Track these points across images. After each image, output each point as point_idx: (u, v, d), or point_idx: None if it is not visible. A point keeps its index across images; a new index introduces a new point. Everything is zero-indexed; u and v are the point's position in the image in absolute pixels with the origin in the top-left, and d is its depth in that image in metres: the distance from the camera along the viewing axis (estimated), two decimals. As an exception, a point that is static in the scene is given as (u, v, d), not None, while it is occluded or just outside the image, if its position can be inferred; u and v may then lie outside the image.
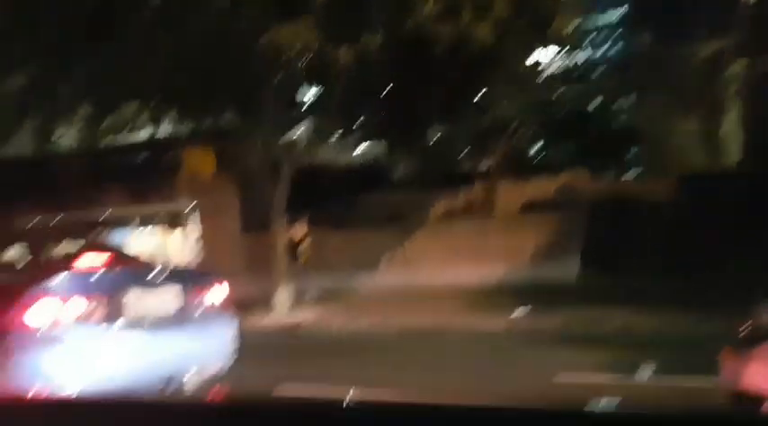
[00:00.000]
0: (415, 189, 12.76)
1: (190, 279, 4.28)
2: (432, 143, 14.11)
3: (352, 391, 0.82)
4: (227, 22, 8.37)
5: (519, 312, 8.43)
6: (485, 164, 14.08)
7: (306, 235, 10.83)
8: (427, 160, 13.82)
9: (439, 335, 7.75)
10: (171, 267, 7.09)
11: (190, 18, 8.42)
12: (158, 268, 4.26)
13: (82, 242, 5.31)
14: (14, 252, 5.07)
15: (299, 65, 8.53)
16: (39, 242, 4.90)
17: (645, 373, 5.06)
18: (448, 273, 11.35)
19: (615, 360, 5.54)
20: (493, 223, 11.92)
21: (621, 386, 4.89)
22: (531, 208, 12.16)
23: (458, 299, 9.90)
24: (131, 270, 4.04)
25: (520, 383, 5.12)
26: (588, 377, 5.15)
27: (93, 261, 4.00)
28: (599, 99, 18.68)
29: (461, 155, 14.18)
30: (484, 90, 11.08)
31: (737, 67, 14.08)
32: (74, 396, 1.23)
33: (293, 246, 10.76)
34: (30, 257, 4.72)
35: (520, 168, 13.27)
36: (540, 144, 17.71)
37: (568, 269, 11.03)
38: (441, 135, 14.23)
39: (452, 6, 8.45)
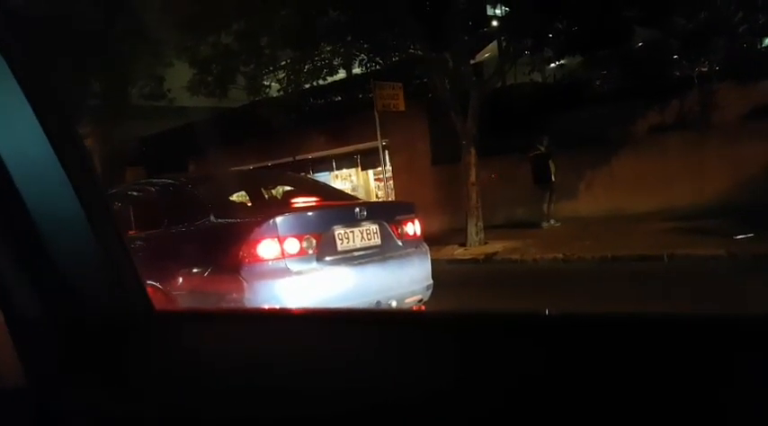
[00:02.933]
0: (618, 103, 11.61)
1: (389, 211, 4.51)
2: (636, 50, 12.64)
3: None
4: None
5: (745, 236, 7.43)
6: (701, 68, 12.22)
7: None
8: (631, 70, 12.43)
9: (650, 262, 7.24)
10: (370, 202, 7.66)
11: None
12: (360, 204, 4.56)
13: (293, 184, 5.91)
14: (237, 196, 5.87)
15: None
16: (257, 186, 5.56)
17: None
18: (658, 195, 10.39)
19: None
20: (711, 135, 10.47)
21: None
22: (758, 114, 10.36)
23: (670, 223, 9.08)
24: (338, 208, 4.38)
25: (742, 313, 4.62)
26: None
27: (305, 201, 4.43)
28: None
29: (672, 61, 12.47)
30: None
31: None
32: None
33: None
34: (251, 200, 5.43)
35: (743, 69, 11.23)
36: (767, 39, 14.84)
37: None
38: (646, 40, 12.65)
39: None
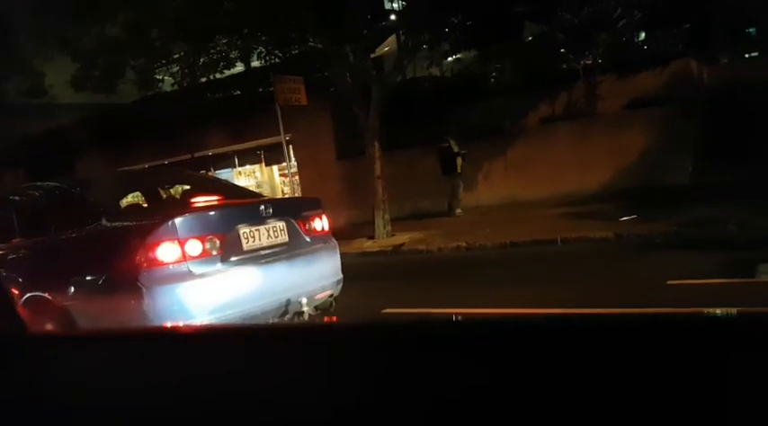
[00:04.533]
0: (511, 95, 12.18)
1: (295, 208, 4.45)
2: (526, 44, 13.30)
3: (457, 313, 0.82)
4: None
5: (629, 217, 8.08)
6: (585, 61, 13.10)
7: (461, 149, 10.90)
8: (522, 63, 13.08)
9: (545, 246, 7.68)
10: (275, 199, 7.52)
11: None
12: (265, 201, 4.45)
13: (192, 182, 5.68)
14: (132, 197, 5.56)
15: None
16: (153, 186, 5.29)
17: (763, 273, 4.75)
18: (550, 183, 11.03)
19: (730, 263, 5.23)
20: (597, 123, 11.25)
21: (737, 287, 4.64)
22: (637, 104, 11.28)
23: (562, 209, 9.68)
24: (242, 207, 4.26)
25: (632, 288, 5.06)
26: (702, 280, 4.93)
27: (206, 200, 4.26)
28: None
29: (559, 54, 13.25)
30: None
31: None
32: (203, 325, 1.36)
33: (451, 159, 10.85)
34: (147, 201, 5.15)
35: (623, 62, 12.17)
36: (645, 33, 16.18)
37: (680, 168, 10.31)
38: (535, 34, 13.35)
39: None
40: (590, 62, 12.48)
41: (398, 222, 10.67)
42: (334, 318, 4.34)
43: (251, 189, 11.93)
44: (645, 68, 11.71)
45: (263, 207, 4.05)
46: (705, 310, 0.74)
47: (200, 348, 0.94)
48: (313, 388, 0.75)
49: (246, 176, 16.75)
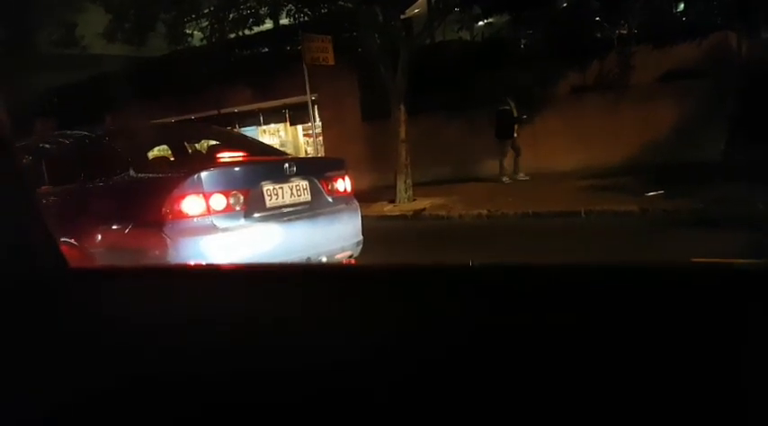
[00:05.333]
0: (543, 63, 11.89)
1: (319, 168, 4.48)
2: (560, 11, 12.90)
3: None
4: None
5: (656, 192, 7.94)
6: (620, 30, 12.69)
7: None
8: (555, 31, 12.72)
9: (568, 218, 7.62)
10: (300, 158, 7.54)
11: None
12: (290, 159, 4.48)
13: (219, 138, 5.73)
14: (159, 150, 5.62)
15: None
16: (180, 140, 5.34)
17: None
18: (578, 154, 10.85)
19: (756, 243, 5.13)
20: (629, 95, 10.96)
21: (762, 266, 4.55)
22: (672, 76, 10.94)
23: (588, 181, 9.55)
24: (266, 164, 4.29)
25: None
26: (726, 259, 4.84)
27: (232, 156, 4.30)
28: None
29: (594, 23, 12.85)
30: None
31: None
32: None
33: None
34: (174, 154, 5.21)
35: (660, 32, 11.75)
36: (684, 3, 15.57)
37: (712, 144, 10.03)
38: (570, 1, 12.94)
39: None
40: (625, 32, 12.08)
41: (421, 187, 10.64)
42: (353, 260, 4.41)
43: (275, 147, 11.96)
44: (682, 40, 11.30)
45: (287, 165, 4.07)
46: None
47: (229, 283, 0.97)
48: (333, 329, 0.78)
49: (271, 135, 16.81)
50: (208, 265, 2.07)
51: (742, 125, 9.69)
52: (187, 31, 11.22)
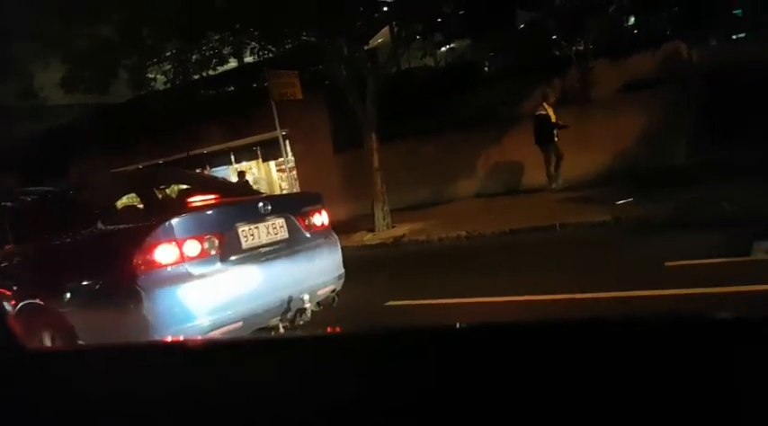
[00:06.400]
0: (506, 82, 12.11)
1: (295, 204, 4.41)
2: (518, 31, 13.21)
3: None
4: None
5: (626, 200, 8.05)
6: (577, 47, 13.05)
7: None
8: (515, 50, 13.02)
9: (544, 232, 7.65)
10: (274, 195, 7.45)
11: None
12: (264, 198, 4.41)
13: (189, 181, 5.63)
14: (128, 198, 5.49)
15: None
16: (148, 186, 5.22)
17: (759, 251, 4.76)
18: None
19: (726, 242, 5.23)
20: (592, 108, 11.19)
21: (733, 266, 4.63)
22: (631, 87, 11.23)
23: (560, 194, 9.66)
24: (240, 204, 4.21)
25: (631, 271, 5.06)
26: (699, 260, 4.92)
27: (204, 199, 4.20)
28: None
29: (552, 41, 13.19)
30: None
31: None
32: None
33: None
34: (143, 202, 5.09)
35: (615, 46, 12.13)
36: (635, 17, 16.16)
37: (675, 149, 10.27)
38: (527, 21, 13.27)
39: None
40: (582, 48, 12.42)
41: (399, 213, 10.63)
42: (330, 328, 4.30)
43: (249, 185, 11.84)
44: (636, 52, 11.66)
45: (261, 204, 4.00)
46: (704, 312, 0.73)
47: (194, 361, 0.91)
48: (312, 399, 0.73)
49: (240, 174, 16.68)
50: (173, 341, 1.98)
51: (701, 129, 9.96)
52: (150, 76, 11.12)
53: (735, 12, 18.52)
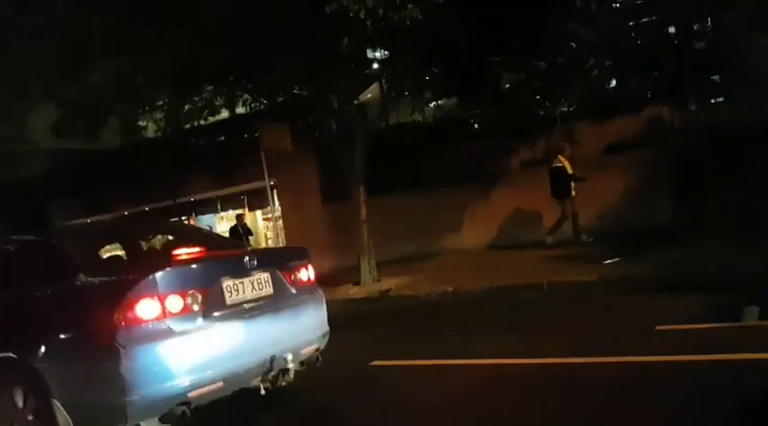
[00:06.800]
0: (492, 141, 12.37)
1: (280, 258, 4.36)
2: (505, 91, 13.58)
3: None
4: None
5: (612, 260, 8.09)
6: (561, 108, 13.43)
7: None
8: (501, 109, 13.34)
9: (531, 291, 7.62)
10: (260, 250, 7.40)
11: None
12: (250, 252, 4.36)
13: (175, 232, 5.57)
14: (111, 249, 5.40)
15: (367, 27, 8.22)
16: (133, 237, 5.16)
17: (750, 317, 4.75)
18: (533, 226, 11.07)
19: (715, 306, 5.23)
20: (576, 168, 11.38)
21: (725, 331, 4.61)
22: (614, 149, 11.50)
23: (547, 252, 9.68)
24: (225, 259, 4.16)
25: (623, 335, 5.00)
26: (690, 325, 4.90)
27: (187, 253, 4.14)
28: (674, 25, 17.70)
29: (536, 101, 13.58)
30: (555, 31, 10.46)
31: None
32: None
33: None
34: (127, 253, 5.01)
35: (597, 108, 12.52)
36: (616, 81, 16.79)
37: (658, 210, 10.44)
38: (514, 82, 13.65)
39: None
40: (565, 109, 12.78)
41: (385, 265, 10.56)
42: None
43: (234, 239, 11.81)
44: (619, 114, 12.01)
45: (247, 258, 3.95)
46: None
47: None
48: None
49: (229, 221, 16.61)
50: None
51: (684, 190, 10.16)
52: (141, 123, 11.18)
53: (713, 77, 19.34)
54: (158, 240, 5.84)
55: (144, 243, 5.52)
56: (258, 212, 16.51)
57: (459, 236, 12.00)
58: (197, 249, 4.20)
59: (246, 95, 10.76)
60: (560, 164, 10.37)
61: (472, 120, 14.65)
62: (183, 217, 15.71)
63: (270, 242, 16.79)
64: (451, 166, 11.61)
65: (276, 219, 15.00)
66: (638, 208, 10.52)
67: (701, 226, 8.70)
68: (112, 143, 12.88)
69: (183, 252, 4.12)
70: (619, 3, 17.28)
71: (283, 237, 14.58)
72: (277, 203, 13.79)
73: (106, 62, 9.98)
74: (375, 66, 11.39)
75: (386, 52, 11.25)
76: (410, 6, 7.83)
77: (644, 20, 19.43)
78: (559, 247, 9.83)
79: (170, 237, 5.35)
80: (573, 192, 10.30)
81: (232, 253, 4.43)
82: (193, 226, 12.12)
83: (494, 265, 9.63)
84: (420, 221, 11.87)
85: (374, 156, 10.31)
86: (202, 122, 11.72)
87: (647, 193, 10.62)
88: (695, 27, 19.81)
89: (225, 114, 11.48)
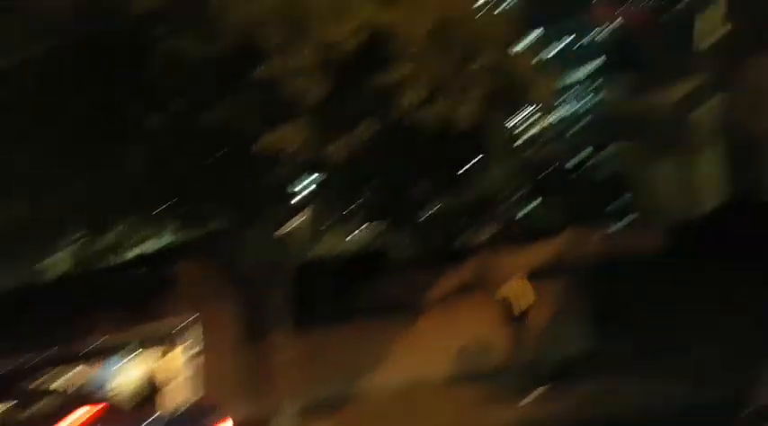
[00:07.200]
0: (415, 270, 12.50)
1: (190, 422, 3.98)
2: (427, 219, 14.03)
3: None
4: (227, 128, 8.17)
5: (535, 394, 8.02)
6: (482, 236, 13.94)
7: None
8: (424, 237, 13.69)
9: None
10: (168, 413, 6.68)
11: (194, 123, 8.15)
12: (154, 416, 3.95)
13: (73, 391, 5.03)
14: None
15: (295, 161, 8.36)
16: (28, 393, 4.60)
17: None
18: (457, 360, 10.94)
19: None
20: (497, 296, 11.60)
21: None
22: (534, 275, 11.87)
23: (471, 388, 9.49)
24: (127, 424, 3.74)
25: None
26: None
27: (85, 416, 3.70)
28: (584, 152, 19.34)
29: (458, 229, 14.07)
30: (471, 161, 11.07)
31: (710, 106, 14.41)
32: None
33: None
34: (19, 414, 4.41)
35: (516, 235, 13.11)
36: (532, 207, 17.78)
37: (582, 334, 10.63)
38: (435, 210, 14.18)
39: (435, 91, 8.38)
40: (483, 238, 13.27)
41: (311, 407, 9.95)
42: None
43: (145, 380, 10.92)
44: (534, 241, 12.54)
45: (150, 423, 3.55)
46: None
47: None
48: None
49: (142, 364, 15.36)
50: None
51: (602, 317, 10.51)
52: (41, 266, 10.47)
53: (626, 196, 20.76)
54: (59, 398, 5.20)
55: (42, 400, 4.87)
56: (177, 350, 15.41)
57: (386, 373, 11.52)
58: (98, 410, 3.75)
59: (163, 231, 10.49)
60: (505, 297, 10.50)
61: (396, 249, 14.87)
62: (90, 364, 14.33)
63: (188, 382, 15.57)
64: (376, 299, 11.50)
65: (194, 357, 14.03)
66: (560, 334, 10.64)
67: (617, 354, 8.89)
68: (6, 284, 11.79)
69: (83, 414, 3.65)
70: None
71: (201, 377, 13.56)
72: (194, 343, 12.98)
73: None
74: (296, 199, 11.54)
75: (310, 185, 11.48)
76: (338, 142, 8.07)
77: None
78: (479, 381, 9.64)
79: (73, 393, 4.80)
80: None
81: (137, 416, 4.00)
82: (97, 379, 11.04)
83: (422, 405, 9.35)
84: (350, 356, 11.47)
85: (297, 290, 10.09)
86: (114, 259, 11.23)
87: (564, 321, 10.80)
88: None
89: (138, 250, 11.09)
